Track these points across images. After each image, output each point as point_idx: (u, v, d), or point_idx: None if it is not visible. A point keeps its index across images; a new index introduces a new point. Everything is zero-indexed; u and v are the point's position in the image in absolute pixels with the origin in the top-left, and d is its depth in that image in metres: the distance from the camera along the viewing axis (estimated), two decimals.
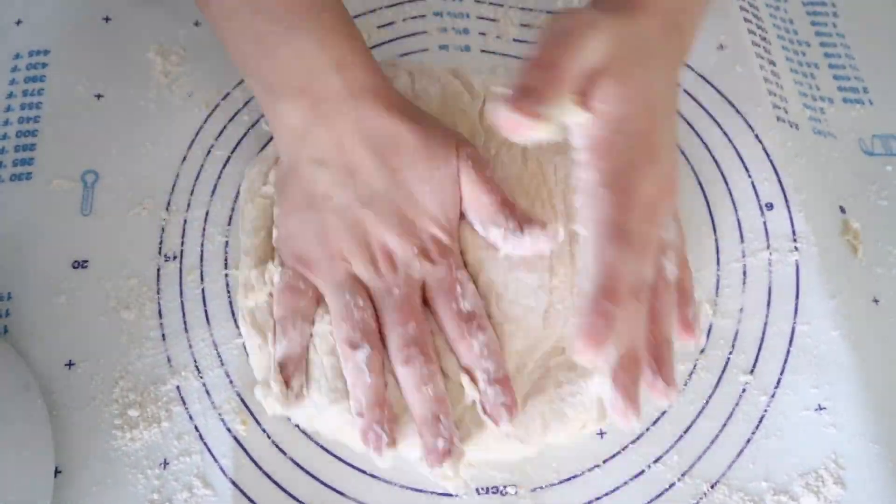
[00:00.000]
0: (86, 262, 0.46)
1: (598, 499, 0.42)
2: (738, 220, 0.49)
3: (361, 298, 0.41)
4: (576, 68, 0.35)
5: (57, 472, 0.41)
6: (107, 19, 0.54)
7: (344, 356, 0.40)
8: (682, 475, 0.42)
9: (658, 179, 0.36)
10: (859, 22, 0.58)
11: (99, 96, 0.51)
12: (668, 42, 0.39)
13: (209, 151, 0.50)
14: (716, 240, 0.48)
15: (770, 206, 0.49)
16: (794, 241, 0.48)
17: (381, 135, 0.42)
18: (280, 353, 0.41)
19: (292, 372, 0.41)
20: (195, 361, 0.44)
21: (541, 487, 0.42)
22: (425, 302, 0.42)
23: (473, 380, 0.40)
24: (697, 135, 0.51)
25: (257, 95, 0.46)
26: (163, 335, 0.45)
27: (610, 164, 0.35)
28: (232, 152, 0.50)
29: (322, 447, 0.43)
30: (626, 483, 0.42)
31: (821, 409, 0.43)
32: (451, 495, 0.42)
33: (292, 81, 0.42)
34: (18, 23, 0.53)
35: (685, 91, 0.53)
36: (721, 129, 0.51)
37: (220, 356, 0.44)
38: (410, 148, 0.42)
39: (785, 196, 0.49)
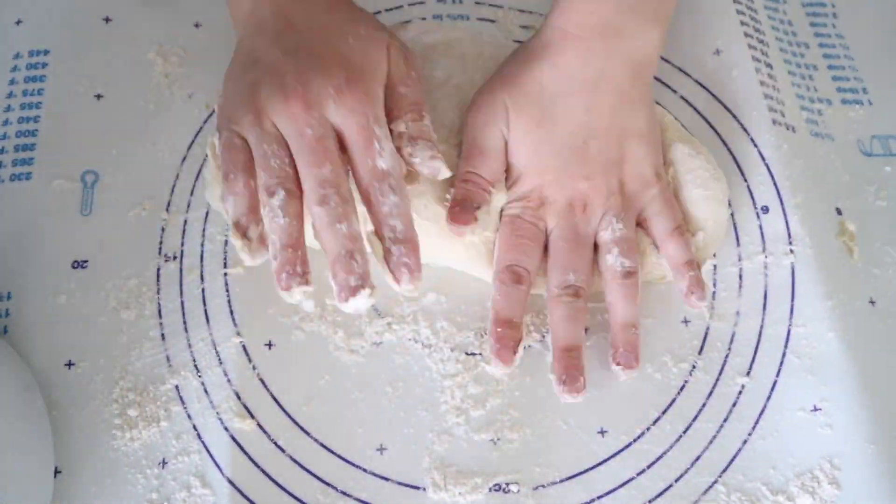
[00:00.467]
0: (85, 262, 0.47)
1: (598, 497, 0.42)
2: (735, 224, 0.49)
3: (278, 146, 0.41)
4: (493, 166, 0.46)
5: (57, 471, 0.41)
6: (107, 20, 0.54)
7: (262, 203, 0.40)
8: (681, 475, 0.42)
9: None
10: (859, 23, 0.58)
11: (99, 97, 0.51)
12: (591, 62, 0.46)
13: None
14: None
15: (766, 210, 0.49)
16: (790, 243, 0.48)
17: (316, 1, 0.45)
18: (231, 212, 0.41)
19: (247, 224, 0.40)
20: (194, 361, 0.45)
21: (542, 486, 0.42)
22: (343, 151, 0.42)
23: (379, 236, 0.40)
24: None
25: None
26: (162, 335, 0.45)
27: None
28: None
29: (321, 444, 0.43)
30: (626, 482, 0.42)
31: (816, 409, 0.44)
32: (452, 493, 0.42)
33: None
34: (18, 22, 0.53)
35: (682, 97, 0.53)
36: (716, 132, 0.52)
37: (218, 355, 0.45)
38: (344, 13, 0.45)
39: (780, 199, 0.49)
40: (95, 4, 0.54)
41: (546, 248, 0.46)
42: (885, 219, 0.50)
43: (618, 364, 0.44)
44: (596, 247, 0.46)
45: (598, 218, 0.46)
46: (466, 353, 0.45)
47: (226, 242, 0.48)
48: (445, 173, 0.43)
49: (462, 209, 0.45)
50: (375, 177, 0.40)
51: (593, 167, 0.46)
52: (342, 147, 0.41)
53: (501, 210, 0.47)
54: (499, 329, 0.44)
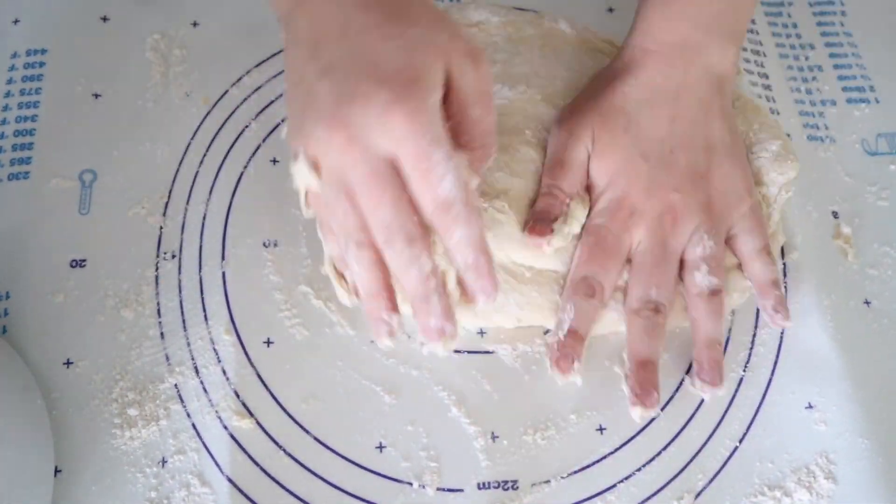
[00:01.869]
0: (84, 261, 0.47)
1: (597, 494, 0.42)
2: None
3: (338, 189, 0.37)
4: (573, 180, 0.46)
5: (56, 471, 0.41)
6: (105, 19, 0.54)
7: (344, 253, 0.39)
8: (679, 472, 0.43)
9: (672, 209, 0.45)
10: (868, 19, 0.58)
11: (97, 95, 0.51)
12: (672, 76, 0.47)
13: (207, 150, 0.50)
14: None
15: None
16: (781, 247, 0.48)
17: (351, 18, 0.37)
18: (327, 253, 0.42)
19: (342, 269, 0.41)
20: (193, 360, 0.45)
21: (542, 482, 0.42)
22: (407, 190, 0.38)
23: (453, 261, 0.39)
24: None
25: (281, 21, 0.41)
26: (161, 334, 0.45)
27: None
28: (229, 151, 0.50)
29: (320, 442, 0.43)
30: (625, 479, 0.43)
31: (811, 407, 0.44)
32: (452, 490, 0.42)
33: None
34: (16, 22, 0.53)
35: None
36: None
37: (217, 354, 0.45)
38: (386, 8, 0.37)
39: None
40: (93, 3, 0.54)
41: (628, 261, 0.45)
42: (884, 219, 0.51)
43: (703, 380, 0.43)
44: (680, 263, 0.45)
45: (689, 233, 0.45)
46: (466, 351, 0.45)
47: (224, 241, 0.48)
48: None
49: (540, 221, 0.44)
50: (438, 207, 0.37)
51: (682, 179, 0.45)
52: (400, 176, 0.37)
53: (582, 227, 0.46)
54: (565, 340, 0.43)
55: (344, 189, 0.37)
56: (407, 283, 0.38)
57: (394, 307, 0.39)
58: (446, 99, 0.38)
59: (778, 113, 0.53)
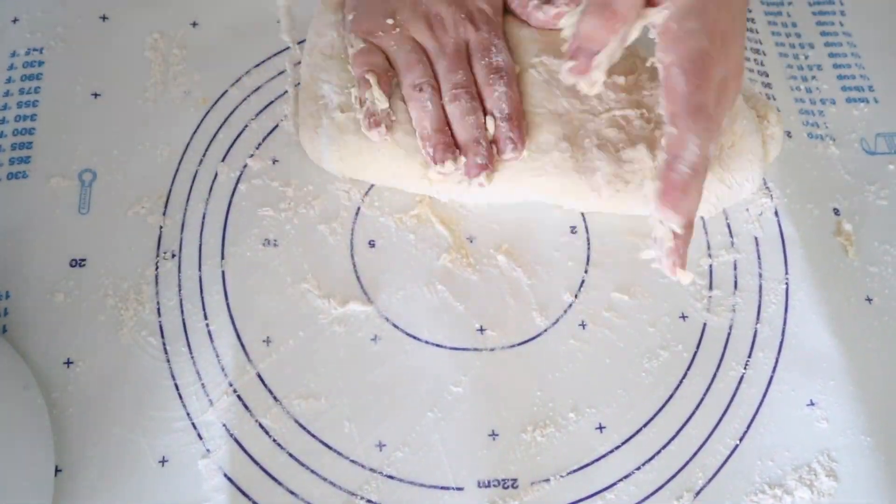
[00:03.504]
0: (84, 260, 0.47)
1: (597, 493, 0.42)
2: (728, 224, 0.49)
3: (420, 55, 0.49)
4: None
5: (57, 470, 0.41)
6: (104, 18, 0.54)
7: (410, 98, 0.49)
8: (679, 470, 0.43)
9: (728, 63, 0.41)
10: (867, 20, 0.58)
11: (96, 95, 0.51)
12: None
13: (206, 150, 0.50)
14: (707, 241, 0.49)
15: (759, 212, 0.50)
16: (783, 244, 0.48)
17: None
18: (369, 104, 0.48)
19: (382, 118, 0.48)
20: (193, 359, 0.45)
21: (542, 481, 0.42)
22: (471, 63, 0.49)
23: (492, 117, 0.48)
24: None
25: None
26: (161, 332, 0.45)
27: (684, 48, 0.40)
28: (229, 150, 0.50)
29: (319, 440, 0.43)
30: (625, 477, 0.43)
31: (812, 404, 0.44)
32: (449, 488, 0.42)
33: None
34: (15, 21, 0.53)
35: None
36: None
37: (216, 352, 0.45)
38: None
39: (774, 201, 0.50)
40: (92, 2, 0.54)
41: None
42: (884, 218, 0.51)
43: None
44: None
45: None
46: (466, 349, 0.46)
47: (223, 240, 0.48)
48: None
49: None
50: (490, 71, 0.48)
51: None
52: (469, 53, 0.50)
53: None
54: (581, 37, 0.41)
55: (424, 55, 0.49)
56: (463, 128, 0.47)
57: (453, 140, 0.48)
58: None
59: (778, 110, 0.53)
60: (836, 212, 0.51)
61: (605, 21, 0.40)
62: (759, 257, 0.49)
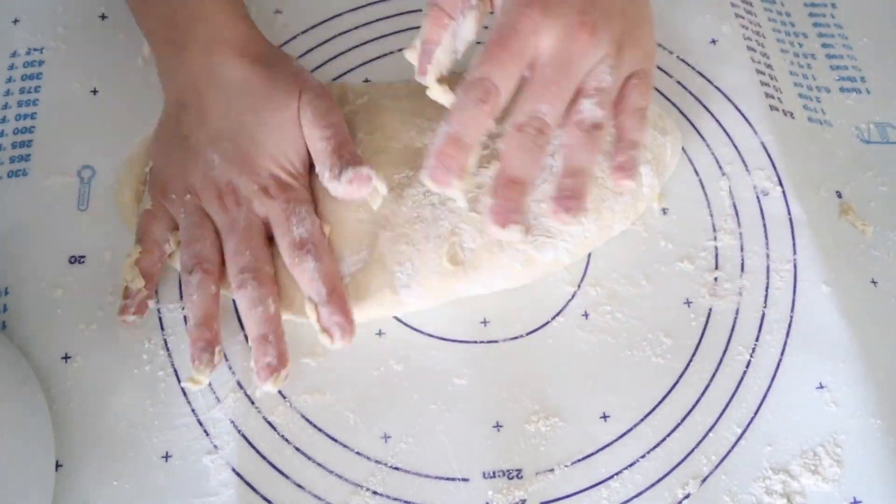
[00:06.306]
0: (83, 257, 0.46)
1: (602, 482, 0.42)
2: (735, 207, 0.49)
3: (204, 230, 0.45)
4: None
5: (58, 465, 0.41)
6: (103, 17, 0.54)
7: (182, 280, 0.44)
8: (685, 457, 0.42)
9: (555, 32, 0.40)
10: (858, 14, 0.59)
11: (95, 92, 0.51)
12: None
13: None
14: (713, 224, 0.49)
15: (765, 193, 0.49)
16: (791, 225, 0.48)
17: (230, 80, 0.46)
18: (136, 273, 0.44)
19: (147, 294, 0.45)
20: None
21: (547, 471, 0.42)
22: (272, 238, 0.45)
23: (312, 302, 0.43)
24: (691, 124, 0.52)
25: (152, 47, 0.49)
26: (161, 328, 0.45)
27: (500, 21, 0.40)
28: None
29: (326, 434, 0.43)
30: (630, 465, 0.42)
31: (822, 387, 0.44)
32: (454, 479, 0.42)
33: (167, 33, 0.48)
34: (16, 21, 0.53)
35: (678, 82, 0.53)
36: (715, 119, 0.52)
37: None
38: (255, 92, 0.46)
39: (781, 182, 0.49)
40: (91, 1, 0.54)
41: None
42: (885, 204, 0.50)
43: (559, 206, 0.40)
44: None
45: (595, 61, 0.41)
46: (469, 341, 0.45)
47: None
48: (382, 190, 0.44)
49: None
50: (294, 247, 0.43)
51: (609, 4, 0.41)
52: (268, 228, 0.45)
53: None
54: (445, 148, 0.40)
55: (212, 231, 0.45)
56: (249, 321, 0.43)
57: (217, 339, 0.43)
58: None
59: (781, 91, 0.54)
60: (839, 195, 0.50)
61: (434, 18, 0.42)
62: (766, 237, 0.48)
